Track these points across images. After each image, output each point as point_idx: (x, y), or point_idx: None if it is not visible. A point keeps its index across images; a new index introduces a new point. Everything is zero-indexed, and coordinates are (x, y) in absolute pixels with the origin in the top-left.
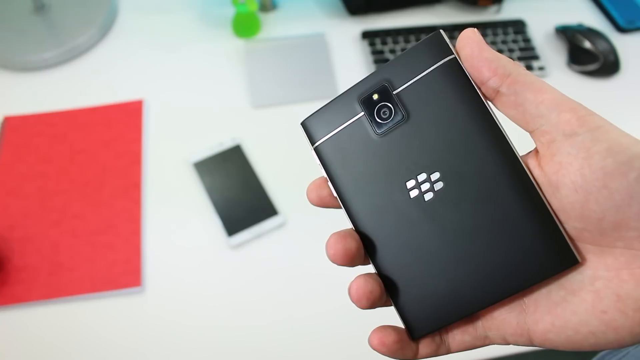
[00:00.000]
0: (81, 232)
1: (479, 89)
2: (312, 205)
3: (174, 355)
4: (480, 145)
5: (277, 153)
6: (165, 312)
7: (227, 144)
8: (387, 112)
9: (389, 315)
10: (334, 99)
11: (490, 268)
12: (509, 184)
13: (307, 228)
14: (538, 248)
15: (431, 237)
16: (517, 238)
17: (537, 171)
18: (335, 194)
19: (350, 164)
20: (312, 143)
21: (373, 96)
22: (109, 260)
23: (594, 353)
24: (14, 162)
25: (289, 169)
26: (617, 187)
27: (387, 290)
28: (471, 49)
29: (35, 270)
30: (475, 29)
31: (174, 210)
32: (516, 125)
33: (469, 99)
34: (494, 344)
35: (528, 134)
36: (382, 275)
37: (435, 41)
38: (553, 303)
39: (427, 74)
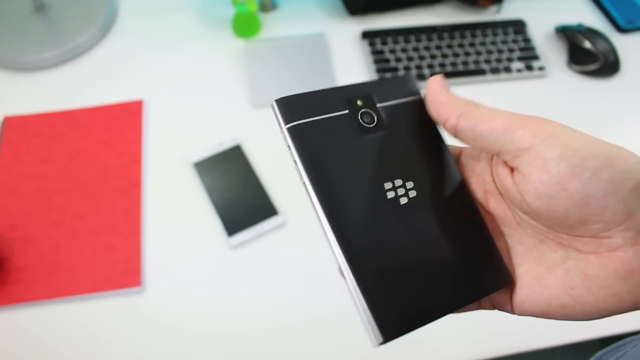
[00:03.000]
0: (81, 232)
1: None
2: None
3: (173, 355)
4: (440, 174)
5: (277, 153)
6: (165, 312)
7: (227, 144)
8: (369, 119)
9: None
10: (315, 91)
11: (447, 280)
12: (459, 212)
13: (307, 228)
14: (480, 268)
15: (404, 240)
16: (466, 257)
17: (508, 180)
18: (305, 179)
19: (327, 152)
20: (287, 122)
21: (358, 101)
22: (109, 260)
23: (592, 353)
24: (14, 162)
25: (289, 169)
26: (575, 188)
27: (360, 289)
28: (431, 96)
29: (35, 270)
30: (438, 77)
31: (174, 210)
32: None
33: (432, 133)
34: (483, 309)
35: None
36: (353, 270)
37: (408, 81)
38: (530, 278)
39: (402, 102)
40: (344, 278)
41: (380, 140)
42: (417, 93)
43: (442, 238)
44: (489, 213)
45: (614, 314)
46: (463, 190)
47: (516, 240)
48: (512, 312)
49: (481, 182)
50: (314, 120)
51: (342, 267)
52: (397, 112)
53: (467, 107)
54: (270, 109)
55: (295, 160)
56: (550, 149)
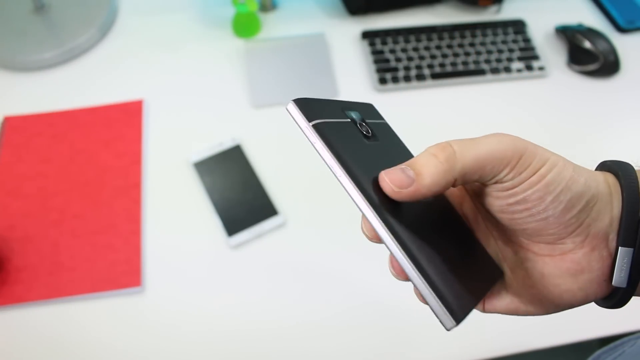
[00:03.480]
0: (81, 232)
1: None
2: (314, 207)
3: (173, 355)
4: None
5: (277, 153)
6: (165, 312)
7: (227, 144)
8: (365, 129)
9: (390, 316)
10: (315, 98)
11: (470, 272)
12: (453, 215)
13: (307, 228)
14: (484, 263)
15: (433, 236)
16: (475, 252)
17: (481, 191)
18: (341, 172)
19: (348, 150)
20: (310, 120)
21: (352, 113)
22: (109, 260)
23: (592, 353)
24: (14, 162)
25: (289, 169)
26: (538, 209)
27: (428, 283)
28: (412, 194)
29: (35, 270)
30: (383, 179)
31: (174, 210)
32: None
33: (406, 149)
34: None
35: None
36: (417, 266)
37: (373, 108)
38: None
39: (379, 122)
40: (404, 273)
41: (379, 147)
42: (383, 118)
43: (456, 236)
44: (462, 216)
45: (568, 308)
46: (445, 198)
47: (484, 242)
48: (483, 310)
49: (454, 189)
50: (329, 122)
51: (403, 264)
52: (379, 129)
53: (452, 171)
54: (271, 109)
55: (323, 156)
56: (520, 179)
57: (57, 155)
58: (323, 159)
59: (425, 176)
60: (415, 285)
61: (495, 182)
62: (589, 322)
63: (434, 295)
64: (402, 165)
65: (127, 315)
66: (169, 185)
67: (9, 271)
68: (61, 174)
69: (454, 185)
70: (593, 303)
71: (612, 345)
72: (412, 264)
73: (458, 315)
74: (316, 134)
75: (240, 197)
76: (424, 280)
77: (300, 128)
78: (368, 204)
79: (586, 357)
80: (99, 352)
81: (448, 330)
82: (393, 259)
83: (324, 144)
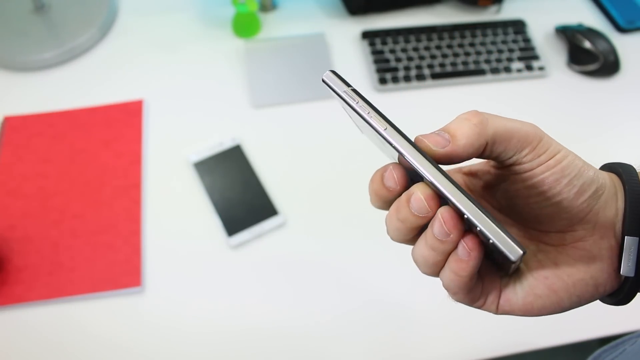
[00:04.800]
0: (81, 232)
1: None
2: (314, 206)
3: (173, 355)
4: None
5: (277, 153)
6: (165, 312)
7: (227, 144)
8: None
9: (391, 317)
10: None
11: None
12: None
13: (307, 228)
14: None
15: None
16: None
17: (499, 186)
18: (395, 132)
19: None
20: (348, 86)
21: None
22: (109, 260)
23: (590, 352)
24: (14, 162)
25: (289, 168)
26: (553, 192)
27: (494, 223)
28: (451, 149)
29: (35, 270)
30: (422, 141)
31: (174, 210)
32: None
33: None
34: (477, 306)
35: None
36: (484, 212)
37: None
38: (508, 277)
39: None
40: (459, 224)
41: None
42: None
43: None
44: None
45: (581, 300)
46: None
47: None
48: (497, 310)
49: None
50: (357, 90)
51: (467, 205)
52: None
53: (485, 134)
54: (271, 109)
55: (366, 114)
56: (538, 161)
57: (57, 155)
58: (369, 122)
59: (460, 137)
60: (478, 224)
61: (513, 164)
62: (589, 322)
63: (501, 229)
64: (437, 131)
65: (127, 315)
66: (169, 185)
67: (9, 271)
68: (61, 174)
69: (482, 155)
70: (594, 302)
71: (612, 343)
72: (475, 205)
73: (523, 246)
74: (357, 96)
75: (240, 197)
76: (490, 217)
77: (339, 93)
78: (424, 157)
79: (586, 357)
80: (98, 352)
81: (514, 261)
82: (448, 211)
83: (366, 104)
